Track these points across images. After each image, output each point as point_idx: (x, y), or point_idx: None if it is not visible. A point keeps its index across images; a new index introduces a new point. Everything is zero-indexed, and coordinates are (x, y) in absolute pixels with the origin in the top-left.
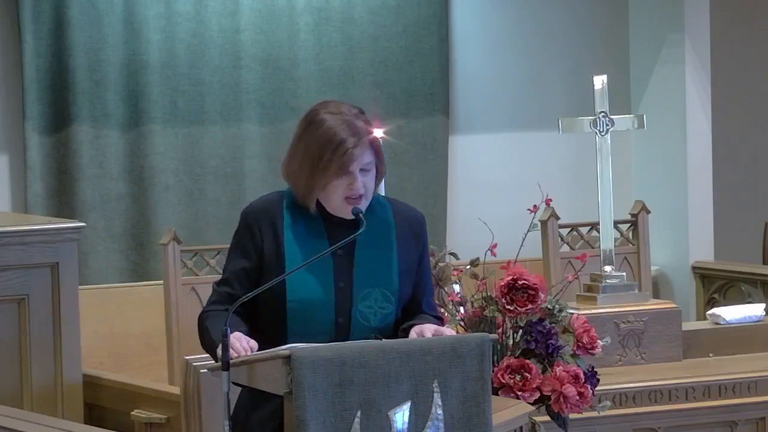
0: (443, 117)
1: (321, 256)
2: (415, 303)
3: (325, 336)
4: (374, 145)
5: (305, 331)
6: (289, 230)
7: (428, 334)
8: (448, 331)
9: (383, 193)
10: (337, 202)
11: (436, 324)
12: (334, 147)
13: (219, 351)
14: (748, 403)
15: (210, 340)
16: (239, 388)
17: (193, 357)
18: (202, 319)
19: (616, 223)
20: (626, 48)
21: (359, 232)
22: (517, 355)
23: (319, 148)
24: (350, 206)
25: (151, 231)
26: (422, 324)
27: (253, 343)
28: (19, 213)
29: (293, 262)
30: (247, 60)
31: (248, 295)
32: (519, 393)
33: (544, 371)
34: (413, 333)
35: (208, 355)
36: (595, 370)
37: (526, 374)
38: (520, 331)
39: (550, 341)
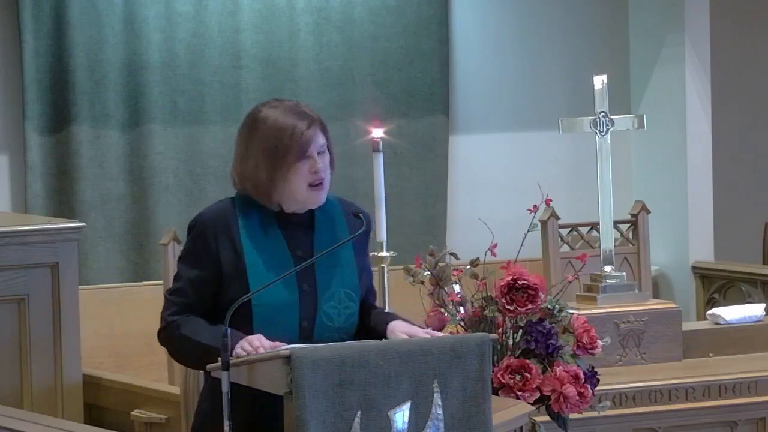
0: (443, 117)
1: (309, 263)
2: (365, 300)
3: (288, 339)
4: (324, 127)
5: (270, 335)
6: (245, 235)
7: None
8: (420, 332)
9: (383, 191)
10: (302, 191)
11: (399, 319)
12: (289, 133)
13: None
14: (748, 403)
15: (200, 345)
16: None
17: None
18: (171, 330)
19: (616, 223)
20: (626, 48)
21: (359, 232)
22: (517, 355)
23: (274, 139)
24: (316, 193)
25: (151, 231)
26: (392, 321)
27: (267, 343)
28: (19, 213)
29: (254, 267)
30: (247, 60)
31: (242, 299)
32: (519, 393)
33: (544, 371)
34: (394, 334)
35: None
36: (595, 370)
37: (526, 374)
38: (520, 331)
39: (550, 341)
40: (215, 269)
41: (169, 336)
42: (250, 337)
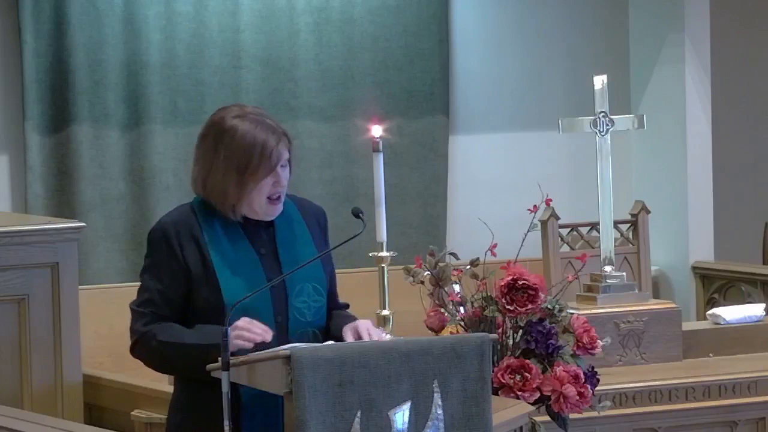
0: (443, 117)
1: (315, 259)
2: (330, 296)
3: None
4: (288, 140)
5: None
6: (210, 238)
7: (365, 335)
8: (375, 331)
9: (383, 191)
10: (262, 203)
11: (356, 319)
12: (259, 150)
13: (230, 353)
14: (748, 403)
15: (186, 347)
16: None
17: None
18: (148, 340)
19: (616, 223)
20: (626, 48)
21: (359, 232)
22: (517, 355)
23: (244, 154)
24: (273, 206)
25: None
26: (351, 323)
27: (266, 328)
28: (19, 213)
29: (222, 269)
30: (247, 60)
31: (242, 299)
32: (519, 393)
33: (544, 371)
34: (348, 334)
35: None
36: (595, 370)
37: (526, 374)
38: (520, 331)
39: (550, 341)
40: (183, 275)
41: (146, 345)
42: (238, 324)
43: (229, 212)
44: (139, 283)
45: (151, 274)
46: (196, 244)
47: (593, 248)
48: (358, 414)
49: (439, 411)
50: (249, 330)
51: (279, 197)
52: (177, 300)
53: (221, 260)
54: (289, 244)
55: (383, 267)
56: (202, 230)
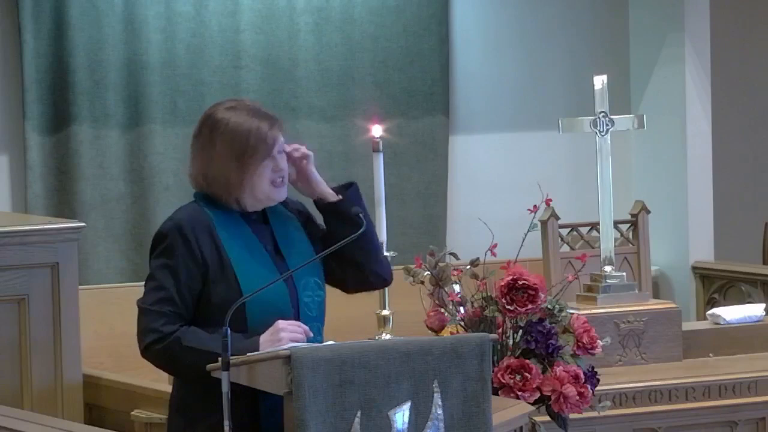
0: (443, 117)
1: (314, 260)
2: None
3: None
4: (282, 127)
5: (265, 329)
6: (223, 235)
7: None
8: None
9: (383, 191)
10: (265, 189)
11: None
12: (254, 133)
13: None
14: (748, 403)
15: (214, 355)
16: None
17: None
18: (172, 344)
19: (616, 223)
20: (626, 48)
21: (359, 232)
22: (517, 355)
23: (239, 140)
24: (278, 191)
25: (151, 231)
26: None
27: (301, 324)
28: (19, 213)
29: (239, 264)
30: (247, 60)
31: (244, 297)
32: (519, 393)
33: (544, 371)
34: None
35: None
36: (595, 370)
37: (526, 374)
38: (520, 331)
39: (550, 341)
40: (201, 271)
41: (169, 349)
42: (283, 326)
43: (231, 202)
44: (143, 282)
45: (167, 272)
46: (211, 240)
47: (593, 248)
48: (358, 414)
49: (439, 411)
50: (295, 331)
51: (282, 180)
52: (193, 297)
53: (238, 256)
54: (287, 240)
55: None
56: (214, 225)
